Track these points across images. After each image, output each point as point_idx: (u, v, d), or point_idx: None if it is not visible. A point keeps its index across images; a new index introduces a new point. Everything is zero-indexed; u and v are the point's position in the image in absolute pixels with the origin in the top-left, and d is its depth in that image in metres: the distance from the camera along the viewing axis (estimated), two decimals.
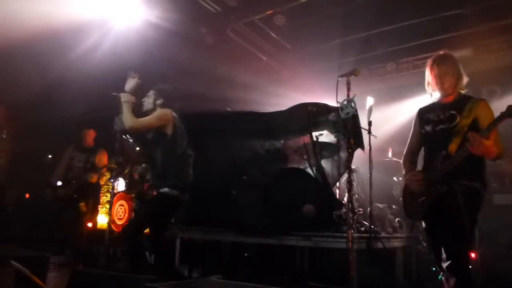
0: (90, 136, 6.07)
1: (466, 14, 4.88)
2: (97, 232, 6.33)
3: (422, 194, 2.91)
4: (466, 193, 2.71)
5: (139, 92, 3.72)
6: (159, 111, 3.69)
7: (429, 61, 3.05)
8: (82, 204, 5.73)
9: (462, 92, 3.01)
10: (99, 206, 6.95)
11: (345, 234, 3.47)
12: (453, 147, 2.79)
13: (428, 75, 3.04)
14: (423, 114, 3.12)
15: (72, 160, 5.91)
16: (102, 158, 5.94)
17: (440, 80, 2.94)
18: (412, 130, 3.21)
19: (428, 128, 3.02)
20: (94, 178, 5.78)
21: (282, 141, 4.96)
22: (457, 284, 2.63)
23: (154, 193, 3.62)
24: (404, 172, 3.16)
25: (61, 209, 5.73)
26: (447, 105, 2.98)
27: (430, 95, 3.12)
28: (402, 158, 3.24)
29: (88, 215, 5.85)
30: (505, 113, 2.59)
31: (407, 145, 3.24)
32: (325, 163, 4.58)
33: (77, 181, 5.73)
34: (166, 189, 3.54)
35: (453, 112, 2.90)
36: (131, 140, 4.00)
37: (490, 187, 4.91)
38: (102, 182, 6.88)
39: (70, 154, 5.96)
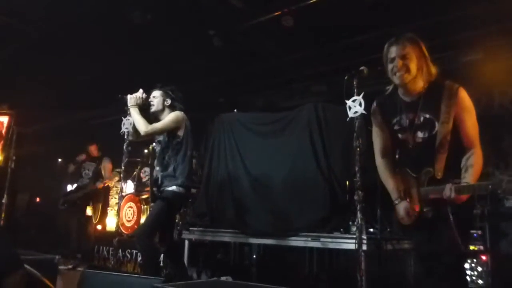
0: (92, 150, 6.66)
1: (475, 15, 4.82)
2: (106, 234, 6.40)
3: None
4: (456, 211, 2.25)
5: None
6: (173, 115, 3.69)
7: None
8: (89, 208, 6.31)
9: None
10: (108, 207, 7.05)
11: (354, 235, 3.44)
12: (439, 167, 2.32)
13: (385, 61, 2.51)
14: (388, 114, 2.59)
15: (83, 169, 6.48)
16: (107, 166, 6.46)
17: (399, 63, 2.39)
18: (375, 130, 2.70)
19: (403, 136, 2.51)
20: (100, 185, 6.26)
21: (290, 142, 4.94)
22: None
23: (161, 192, 3.63)
24: (391, 193, 2.56)
25: (71, 213, 6.22)
26: (414, 103, 2.45)
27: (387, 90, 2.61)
28: (379, 165, 2.68)
29: (95, 218, 6.34)
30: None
31: (376, 149, 2.70)
32: (334, 163, 4.56)
33: (85, 189, 6.24)
34: (174, 187, 3.56)
35: (427, 115, 2.39)
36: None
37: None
38: (111, 185, 6.97)
39: (80, 163, 6.59)
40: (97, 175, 6.35)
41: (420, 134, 2.43)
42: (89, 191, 6.20)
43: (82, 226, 6.15)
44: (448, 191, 2.20)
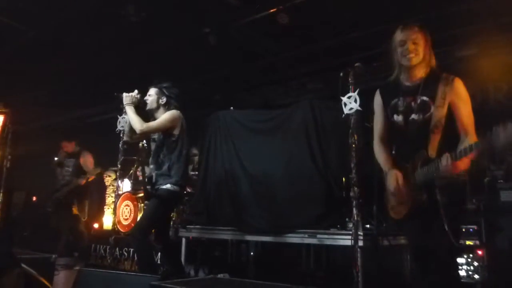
0: (66, 146, 6.24)
1: (471, 10, 4.83)
2: (103, 233, 6.37)
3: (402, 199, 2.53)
4: (448, 193, 2.32)
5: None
6: (168, 114, 3.67)
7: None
8: (74, 207, 5.90)
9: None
10: (105, 206, 7.02)
11: (350, 232, 3.46)
12: (432, 147, 2.40)
13: (394, 46, 2.57)
14: (388, 97, 2.67)
15: (64, 166, 6.15)
16: (87, 160, 6.11)
17: (408, 46, 2.48)
18: (376, 114, 2.78)
19: (398, 118, 2.58)
20: (83, 182, 5.93)
21: (287, 139, 4.95)
22: None
23: (156, 190, 3.62)
24: (383, 166, 2.65)
25: (59, 214, 5.96)
26: (415, 87, 2.54)
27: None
28: (375, 148, 2.75)
29: (84, 216, 6.00)
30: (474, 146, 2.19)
31: (375, 133, 2.77)
32: (330, 160, 4.57)
33: (68, 186, 5.93)
34: (168, 185, 3.56)
35: (425, 98, 2.48)
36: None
37: (496, 184, 4.88)
38: (107, 183, 6.94)
39: (62, 162, 6.24)
40: (78, 170, 6.06)
41: (415, 116, 2.50)
42: (73, 188, 5.94)
43: (73, 225, 6.00)
44: (445, 160, 2.24)
